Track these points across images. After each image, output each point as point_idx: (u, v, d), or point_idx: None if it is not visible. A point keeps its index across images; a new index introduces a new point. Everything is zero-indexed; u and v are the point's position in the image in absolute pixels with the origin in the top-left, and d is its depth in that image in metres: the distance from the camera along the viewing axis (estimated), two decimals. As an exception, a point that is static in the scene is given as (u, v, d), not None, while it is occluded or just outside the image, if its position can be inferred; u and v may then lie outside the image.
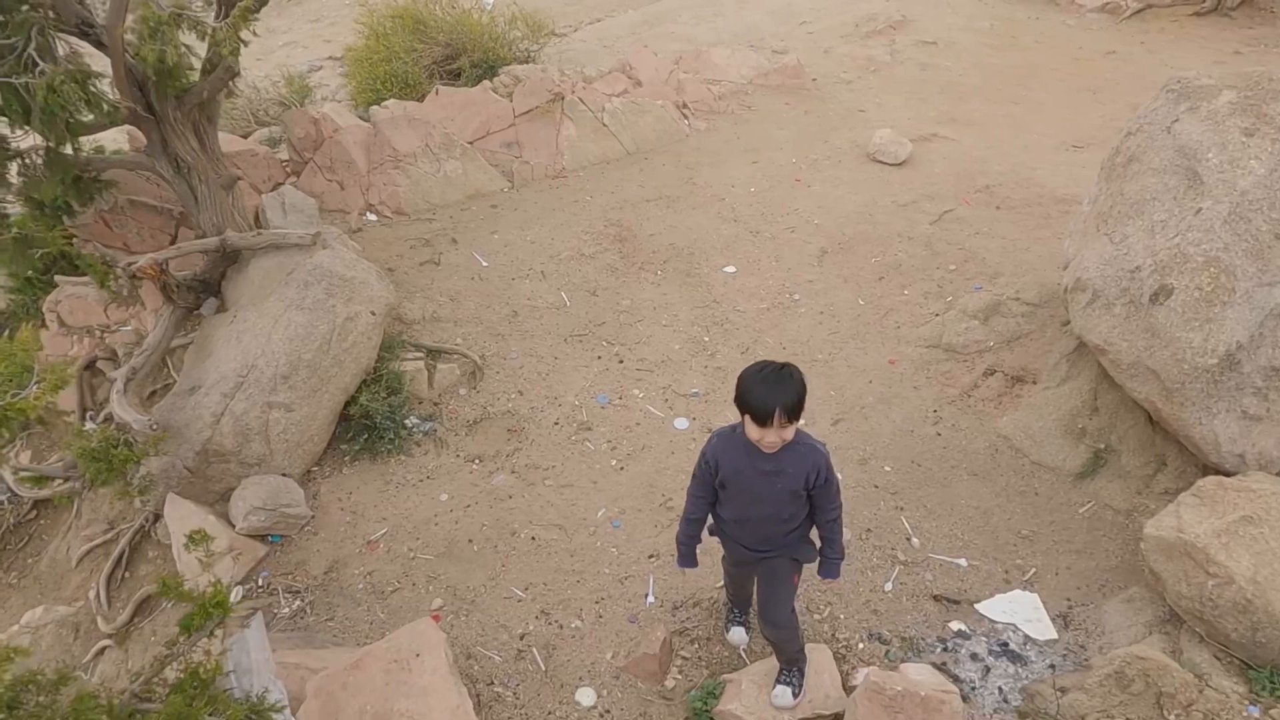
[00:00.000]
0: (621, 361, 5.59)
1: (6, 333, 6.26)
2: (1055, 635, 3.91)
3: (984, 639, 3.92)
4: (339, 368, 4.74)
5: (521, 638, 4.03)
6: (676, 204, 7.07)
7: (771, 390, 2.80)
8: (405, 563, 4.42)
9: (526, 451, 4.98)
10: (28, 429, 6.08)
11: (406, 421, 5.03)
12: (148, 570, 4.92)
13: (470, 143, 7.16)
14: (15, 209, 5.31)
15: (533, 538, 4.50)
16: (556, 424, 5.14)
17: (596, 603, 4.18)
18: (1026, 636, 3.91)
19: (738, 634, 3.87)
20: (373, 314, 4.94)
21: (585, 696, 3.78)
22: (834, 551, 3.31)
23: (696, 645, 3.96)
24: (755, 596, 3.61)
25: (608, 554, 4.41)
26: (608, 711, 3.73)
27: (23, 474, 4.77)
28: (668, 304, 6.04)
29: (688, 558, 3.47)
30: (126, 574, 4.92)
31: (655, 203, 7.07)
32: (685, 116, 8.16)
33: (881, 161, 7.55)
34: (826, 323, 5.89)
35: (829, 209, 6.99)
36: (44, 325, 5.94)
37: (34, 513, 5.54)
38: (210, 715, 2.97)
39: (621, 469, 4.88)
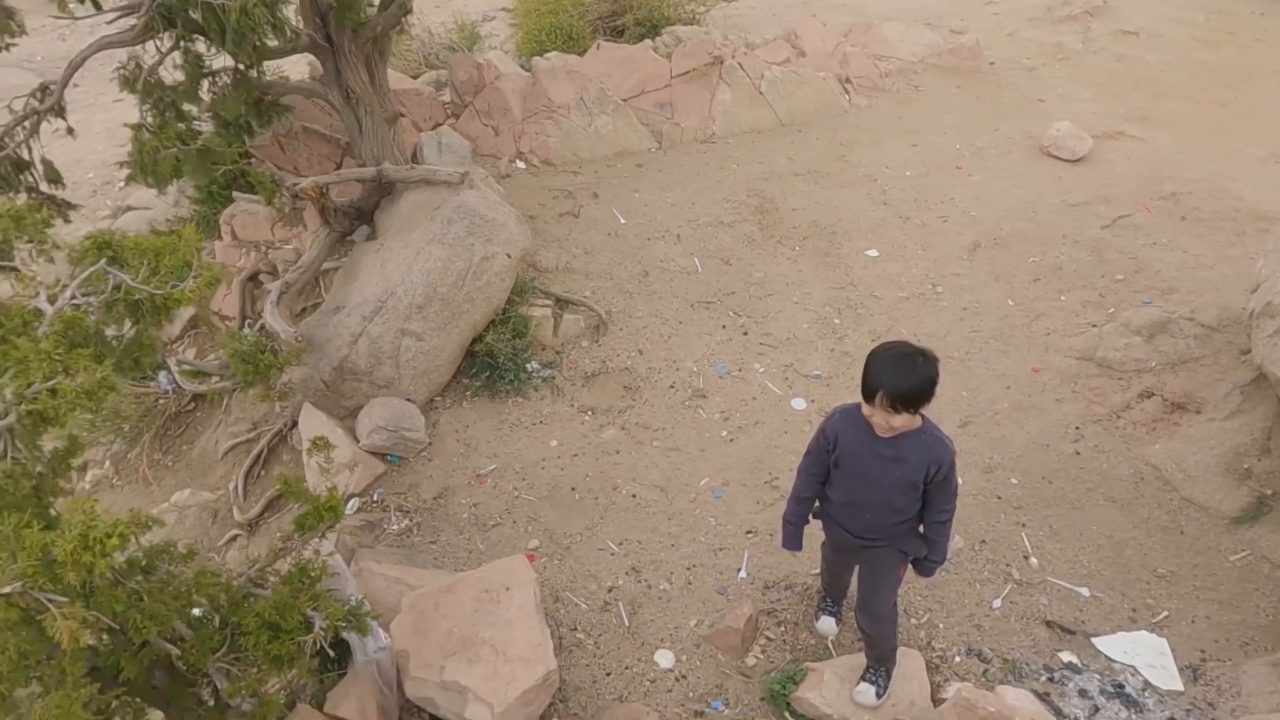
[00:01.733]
0: (746, 333, 5.48)
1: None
2: (1181, 687, 3.56)
3: (1097, 676, 3.62)
4: (470, 304, 4.89)
5: (609, 590, 4.07)
6: (825, 180, 6.82)
7: (886, 372, 2.69)
8: (509, 500, 4.54)
9: (639, 410, 4.99)
10: (196, 327, 6.64)
11: (527, 365, 5.15)
12: (281, 471, 5.29)
13: (624, 100, 7.16)
14: (205, 127, 5.77)
15: (633, 495, 4.52)
16: (672, 387, 5.12)
17: (688, 569, 4.15)
18: (1147, 683, 3.59)
19: (827, 624, 3.76)
20: (508, 256, 5.05)
21: (664, 658, 3.77)
22: (937, 554, 3.14)
23: (783, 628, 3.87)
24: (855, 587, 3.48)
25: (705, 523, 4.37)
26: (684, 677, 3.71)
27: (185, 367, 5.21)
28: (801, 281, 5.86)
29: (794, 538, 3.32)
30: (262, 472, 5.32)
31: (803, 177, 6.85)
32: (846, 92, 7.84)
33: (1056, 156, 6.99)
34: (968, 320, 5.55)
35: (988, 201, 6.55)
36: (219, 236, 6.46)
37: (192, 404, 6.08)
38: (312, 609, 3.17)
39: (731, 440, 4.81)
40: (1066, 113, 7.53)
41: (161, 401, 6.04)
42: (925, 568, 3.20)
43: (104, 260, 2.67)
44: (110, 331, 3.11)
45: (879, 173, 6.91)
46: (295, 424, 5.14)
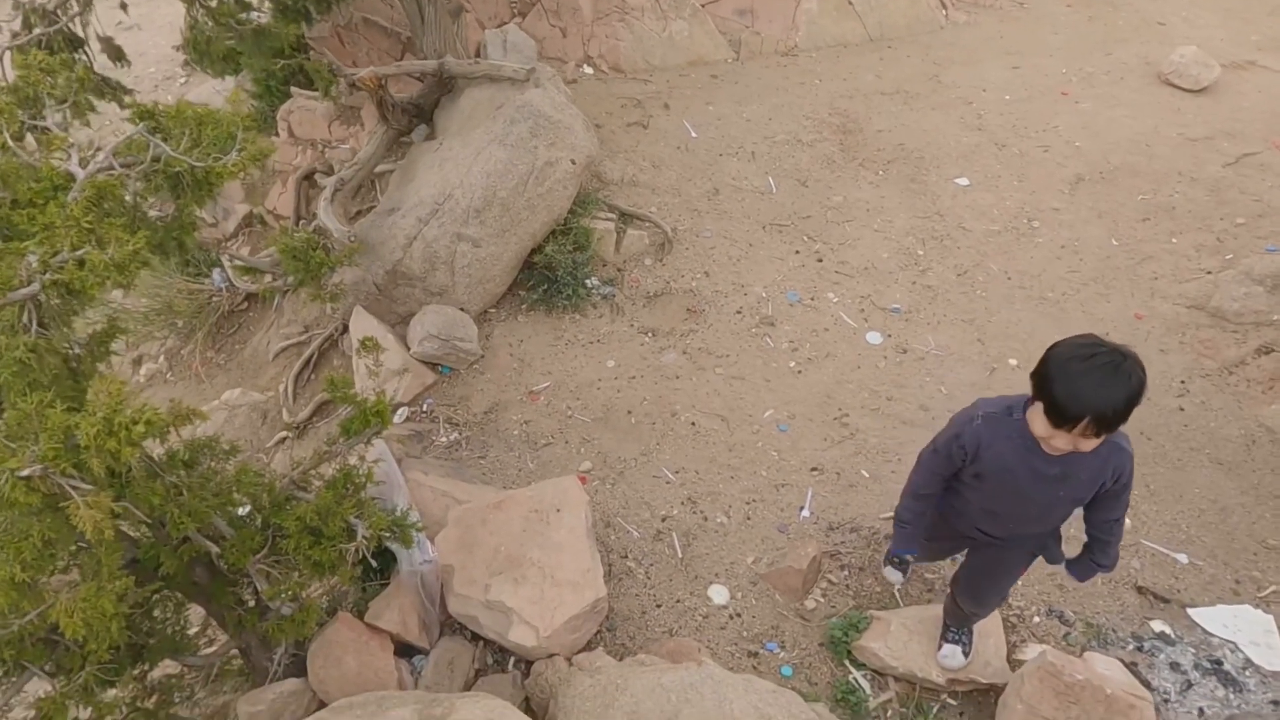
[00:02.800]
0: (820, 260, 5.11)
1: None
2: (1287, 668, 3.24)
3: (1191, 650, 3.32)
4: (530, 211, 4.61)
5: (664, 520, 3.86)
6: (914, 101, 6.29)
7: (1097, 388, 2.01)
8: (562, 419, 4.33)
9: (702, 335, 4.70)
10: (250, 225, 6.49)
11: (587, 281, 4.88)
12: (331, 375, 5.16)
13: (702, 4, 6.66)
14: (264, 18, 5.51)
15: (693, 423, 4.27)
16: (739, 313, 4.81)
17: (747, 503, 3.92)
18: (1248, 660, 3.27)
19: (895, 574, 3.47)
20: (572, 162, 4.73)
21: (718, 594, 3.57)
22: (1104, 558, 2.57)
23: (846, 572, 3.63)
24: (961, 569, 2.99)
25: (768, 456, 4.11)
26: (738, 615, 3.51)
27: (237, 263, 5.07)
28: (884, 208, 5.43)
29: (911, 540, 2.76)
30: (313, 375, 5.21)
31: (891, 97, 6.33)
32: (945, 5, 7.20)
33: (1176, 85, 6.33)
34: (1066, 259, 5.09)
35: (1096, 131, 5.97)
36: (276, 133, 6.25)
37: (245, 304, 5.98)
38: (356, 516, 3.02)
39: (800, 372, 4.51)
40: (1191, 38, 6.80)
41: (215, 299, 5.95)
42: (1083, 569, 2.64)
43: (143, 126, 2.44)
44: (154, 212, 2.92)
45: (975, 95, 6.35)
46: (346, 328, 4.99)
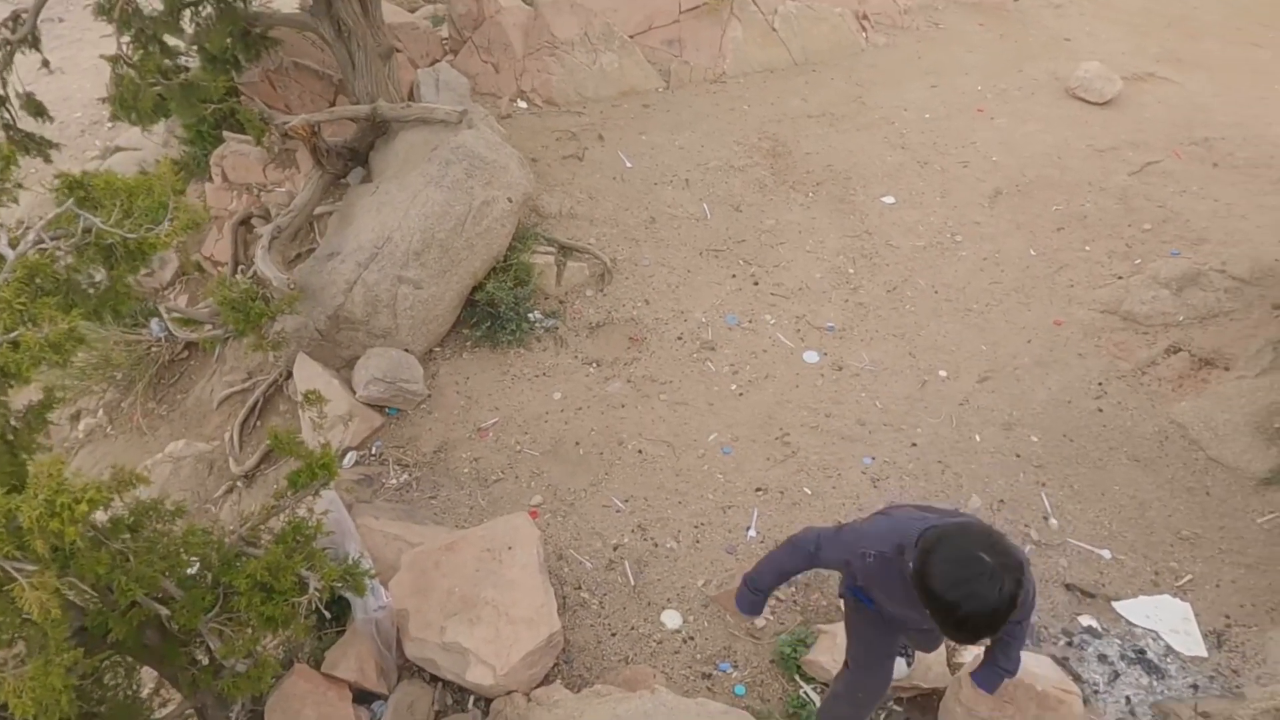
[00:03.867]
0: (757, 283, 5.27)
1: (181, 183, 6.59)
2: (1205, 653, 3.45)
3: (1118, 641, 3.52)
4: (470, 251, 4.68)
5: (615, 549, 3.95)
6: (840, 123, 6.53)
7: (983, 614, 1.93)
8: (511, 454, 4.40)
9: (645, 363, 4.82)
10: (187, 273, 6.44)
11: (530, 315, 4.96)
12: (278, 422, 5.14)
13: (631, 36, 6.82)
14: (192, 62, 5.49)
15: (640, 450, 4.37)
16: (680, 339, 4.93)
17: (695, 527, 4.03)
18: (1169, 648, 3.48)
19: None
20: (509, 200, 4.82)
21: (671, 619, 3.67)
22: (1007, 661, 2.53)
23: (794, 589, 3.76)
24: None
25: (714, 479, 4.23)
26: (691, 638, 3.61)
27: (174, 314, 5.03)
28: (815, 229, 5.63)
29: (756, 607, 2.76)
30: (258, 423, 5.17)
31: (817, 120, 6.56)
32: (864, 29, 7.48)
33: (1083, 99, 6.67)
34: (989, 270, 5.33)
35: (1012, 146, 6.27)
36: (210, 178, 6.21)
37: (185, 353, 5.91)
38: (307, 569, 3.04)
39: (741, 395, 4.65)
40: (1095, 53, 7.18)
41: (154, 349, 5.87)
42: (987, 676, 2.58)
43: (72, 201, 2.46)
44: (85, 278, 2.92)
45: (897, 115, 6.61)
46: (291, 374, 4.98)
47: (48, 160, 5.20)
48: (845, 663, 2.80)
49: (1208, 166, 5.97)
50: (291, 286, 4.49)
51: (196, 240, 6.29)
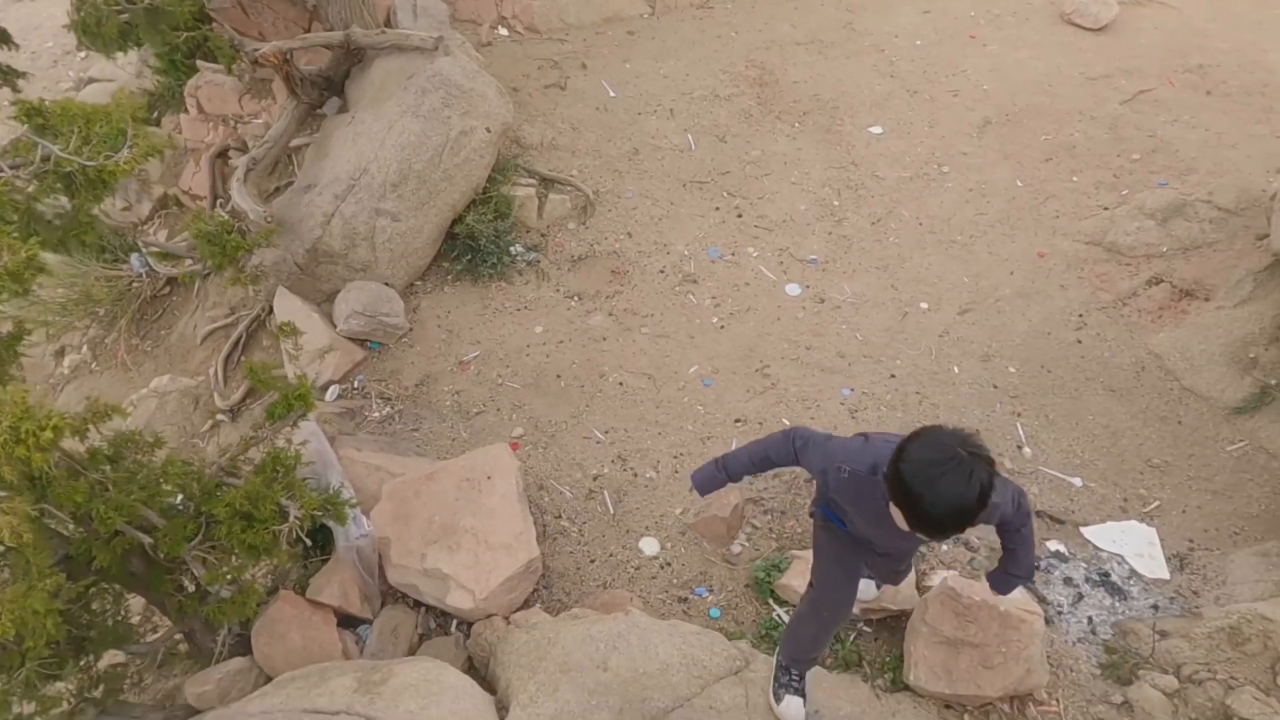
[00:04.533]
0: (740, 215, 5.23)
1: (156, 114, 6.45)
2: (1167, 575, 3.55)
3: (1083, 565, 3.61)
4: (448, 183, 4.62)
5: (595, 479, 4.01)
6: (829, 51, 6.38)
7: (952, 506, 1.93)
8: (493, 387, 4.42)
9: (627, 295, 4.81)
10: (166, 207, 6.35)
11: (511, 249, 4.92)
12: (261, 357, 5.14)
13: (615, -41, 6.59)
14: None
15: (620, 383, 4.40)
16: (662, 272, 4.91)
17: (674, 457, 4.08)
18: (1133, 571, 3.57)
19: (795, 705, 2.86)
20: (488, 130, 4.74)
21: (649, 546, 3.75)
22: (1017, 568, 2.65)
23: (769, 516, 3.83)
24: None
25: (694, 411, 4.27)
26: (668, 564, 3.69)
27: (151, 249, 4.99)
28: (800, 160, 5.55)
29: (711, 483, 2.69)
30: (242, 357, 5.18)
31: (806, 47, 6.40)
32: (856, -49, 7.22)
33: (1077, 24, 6.51)
34: (974, 202, 5.29)
35: (1003, 73, 6.14)
36: (185, 110, 6.07)
37: (167, 288, 5.88)
38: (287, 498, 3.09)
39: (722, 327, 4.65)
40: (1092, -24, 6.96)
41: (135, 285, 5.84)
42: (1000, 581, 2.73)
43: (28, 127, 2.42)
44: (49, 208, 2.89)
45: (887, 42, 6.45)
46: (274, 308, 4.96)
47: (16, 90, 5.07)
48: (810, 583, 2.80)
49: (1201, 95, 5.86)
50: (268, 220, 4.44)
51: (174, 174, 6.20)
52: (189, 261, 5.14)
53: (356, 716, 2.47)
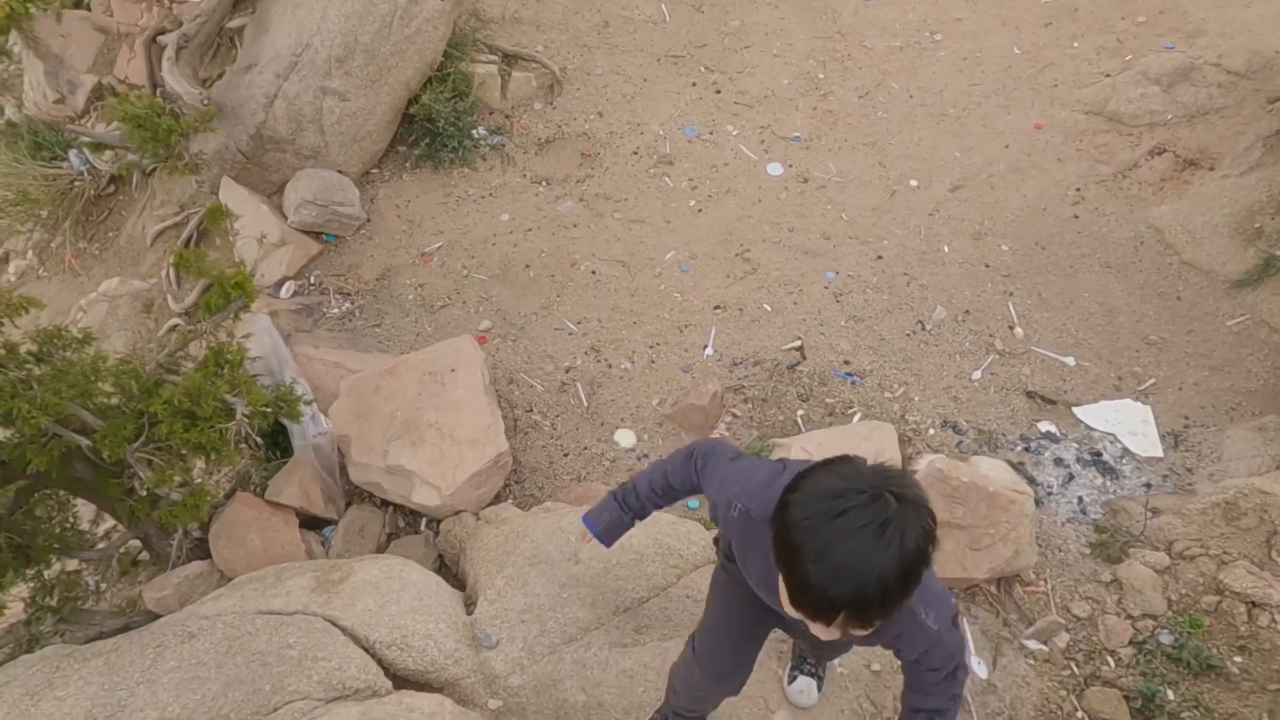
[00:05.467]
0: (719, 91, 4.88)
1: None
2: (1160, 454, 3.43)
3: (1074, 445, 3.48)
4: (399, 57, 4.24)
5: (567, 371, 3.82)
6: (814, -90, 5.86)
7: (845, 569, 1.21)
8: (458, 279, 4.18)
9: (599, 179, 4.51)
10: (102, 98, 5.92)
11: (473, 132, 4.58)
12: (215, 256, 4.86)
13: None
14: None
15: (593, 271, 4.16)
16: (635, 153, 4.60)
17: (650, 347, 3.88)
18: (1125, 450, 3.45)
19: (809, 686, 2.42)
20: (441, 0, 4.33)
21: (624, 438, 3.59)
22: None
23: (750, 405, 3.67)
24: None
25: (670, 299, 4.05)
26: (645, 456, 3.55)
27: (83, 139, 4.62)
28: (783, 30, 5.16)
29: (613, 529, 2.05)
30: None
31: (789, -94, 5.88)
32: None
33: (1083, -124, 5.99)
34: (968, 71, 4.94)
35: (1002, -68, 5.67)
36: (114, -11, 5.57)
37: (112, 187, 5.51)
38: (233, 395, 2.89)
39: (700, 211, 4.38)
40: None
41: (77, 184, 5.47)
42: None
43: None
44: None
45: (878, -100, 5.93)
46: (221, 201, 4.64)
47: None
48: (693, 633, 2.03)
49: (1214, -51, 5.44)
50: (204, 102, 4.08)
51: (108, 61, 5.74)
52: (130, 155, 4.79)
53: (312, 616, 2.34)
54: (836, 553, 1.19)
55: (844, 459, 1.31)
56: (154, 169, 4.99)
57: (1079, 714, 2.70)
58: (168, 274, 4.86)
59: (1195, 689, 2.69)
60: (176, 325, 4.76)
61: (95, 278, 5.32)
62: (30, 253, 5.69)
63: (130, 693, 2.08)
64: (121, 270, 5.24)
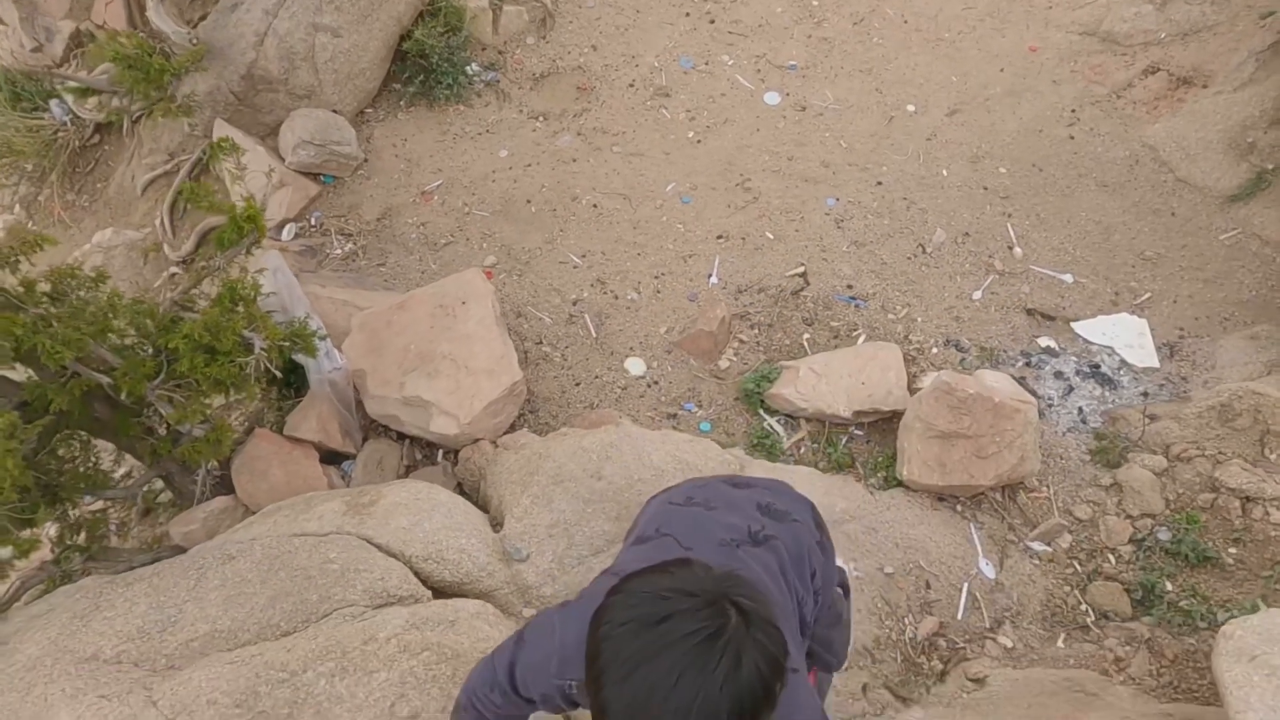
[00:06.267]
0: (713, 22, 4.83)
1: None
2: (1157, 364, 3.53)
3: (1074, 359, 3.57)
4: (390, -9, 4.17)
5: (574, 303, 3.85)
6: None
7: (654, 692, 0.94)
8: (460, 217, 4.17)
9: (596, 113, 4.49)
10: (81, 45, 5.79)
11: (467, 68, 4.53)
12: (189, 183, 4.82)
13: None
14: None
15: (594, 205, 4.17)
16: (631, 86, 4.57)
17: (655, 277, 3.92)
18: (1123, 362, 3.55)
19: None
20: (429, -70, 4.24)
21: (635, 366, 3.65)
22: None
23: (756, 330, 3.73)
24: None
25: (673, 229, 4.07)
26: (655, 383, 3.61)
27: (70, 85, 4.54)
28: (775, -43, 5.09)
29: None
30: (189, 206, 4.84)
31: None
32: None
33: None
34: (963, -5, 4.92)
35: None
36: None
37: (96, 137, 5.42)
38: (250, 330, 2.91)
39: (699, 142, 4.38)
40: None
41: (61, 135, 5.37)
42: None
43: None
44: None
45: None
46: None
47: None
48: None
49: None
50: (193, 40, 4.01)
51: (84, 6, 5.59)
52: (114, 99, 4.71)
53: (348, 536, 2.40)
54: (646, 672, 0.90)
55: (684, 561, 1.03)
56: (141, 115, 4.92)
57: (1083, 606, 2.83)
58: (162, 223, 4.82)
59: (1192, 579, 2.83)
60: (175, 274, 4.75)
61: (86, 230, 5.26)
62: (18, 207, 5.60)
63: (179, 609, 2.14)
64: (113, 221, 5.18)
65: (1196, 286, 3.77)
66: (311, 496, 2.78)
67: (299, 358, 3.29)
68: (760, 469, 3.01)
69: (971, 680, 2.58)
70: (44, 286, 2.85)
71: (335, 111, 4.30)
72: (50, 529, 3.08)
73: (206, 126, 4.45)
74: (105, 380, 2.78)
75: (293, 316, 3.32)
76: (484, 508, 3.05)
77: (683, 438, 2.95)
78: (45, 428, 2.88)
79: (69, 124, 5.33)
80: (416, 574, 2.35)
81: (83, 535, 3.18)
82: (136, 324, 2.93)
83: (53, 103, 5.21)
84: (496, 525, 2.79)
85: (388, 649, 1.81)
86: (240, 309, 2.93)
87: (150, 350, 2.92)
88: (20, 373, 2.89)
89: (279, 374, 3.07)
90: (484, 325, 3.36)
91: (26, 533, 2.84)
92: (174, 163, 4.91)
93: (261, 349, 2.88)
